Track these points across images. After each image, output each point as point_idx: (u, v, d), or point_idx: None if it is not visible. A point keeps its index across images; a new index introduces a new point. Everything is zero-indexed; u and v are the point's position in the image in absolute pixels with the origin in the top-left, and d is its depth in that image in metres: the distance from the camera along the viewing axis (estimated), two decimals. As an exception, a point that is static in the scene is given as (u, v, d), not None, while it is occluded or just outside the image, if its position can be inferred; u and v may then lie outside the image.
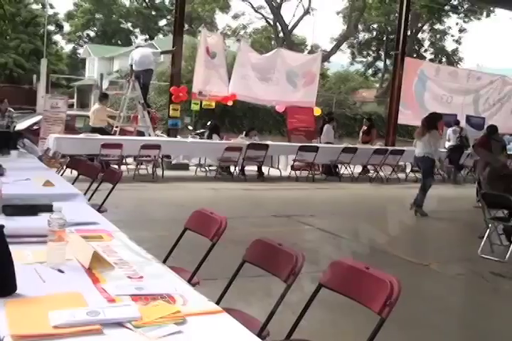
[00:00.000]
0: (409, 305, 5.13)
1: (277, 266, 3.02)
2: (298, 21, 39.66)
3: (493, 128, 11.51)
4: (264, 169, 13.85)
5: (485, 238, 7.24)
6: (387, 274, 2.55)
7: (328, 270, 2.85)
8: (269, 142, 14.18)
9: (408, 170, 15.77)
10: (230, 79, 15.28)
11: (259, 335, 2.77)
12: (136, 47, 14.90)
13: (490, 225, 7.37)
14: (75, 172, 7.22)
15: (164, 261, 3.53)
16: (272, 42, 41.09)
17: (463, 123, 17.70)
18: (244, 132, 14.96)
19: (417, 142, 10.28)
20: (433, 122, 10.02)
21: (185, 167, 14.04)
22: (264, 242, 3.18)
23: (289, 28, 39.66)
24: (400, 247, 7.47)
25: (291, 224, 8.50)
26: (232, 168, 13.55)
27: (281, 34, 40.20)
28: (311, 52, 35.49)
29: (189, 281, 3.22)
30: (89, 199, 5.20)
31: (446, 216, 10.45)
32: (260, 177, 13.50)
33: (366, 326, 2.55)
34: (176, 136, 14.48)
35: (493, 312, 5.25)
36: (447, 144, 16.19)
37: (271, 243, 3.12)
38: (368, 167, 15.19)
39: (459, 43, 40.18)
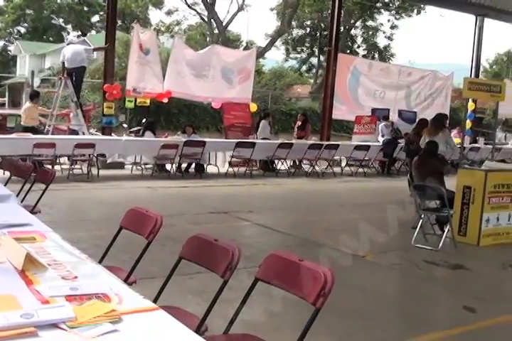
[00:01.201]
0: (346, 296, 5.26)
1: (214, 262, 3.03)
2: (232, 18, 39.69)
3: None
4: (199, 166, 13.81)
5: (418, 228, 7.48)
6: (320, 266, 2.61)
7: (263, 264, 2.89)
8: (206, 139, 14.17)
9: (343, 164, 16.07)
10: (164, 76, 15.16)
11: (197, 331, 2.79)
12: (68, 43, 14.55)
13: (423, 216, 7.61)
14: (7, 173, 7.03)
15: (100, 261, 3.49)
16: (207, 39, 40.96)
17: (395, 117, 18.17)
18: (181, 130, 14.88)
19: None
20: (442, 122, 10.27)
21: (120, 166, 13.83)
22: (200, 238, 3.19)
23: (224, 24, 39.62)
24: (336, 239, 7.60)
25: (229, 220, 8.53)
26: (168, 166, 13.43)
27: (216, 30, 40.12)
28: (246, 48, 35.61)
29: (125, 280, 3.20)
30: (22, 201, 5.08)
31: (381, 208, 10.68)
32: (198, 174, 13.46)
33: (305, 317, 2.60)
34: (110, 134, 14.27)
35: (428, 299, 5.43)
36: (380, 138, 16.59)
37: (207, 239, 3.13)
38: (304, 161, 15.35)
39: (391, 40, 41.12)
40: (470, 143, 19.30)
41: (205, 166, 13.83)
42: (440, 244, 7.19)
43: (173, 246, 5.47)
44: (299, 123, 16.92)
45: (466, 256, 7.10)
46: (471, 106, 20.48)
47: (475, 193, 7.63)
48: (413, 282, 6.15)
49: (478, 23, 21.25)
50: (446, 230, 7.36)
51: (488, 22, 21.73)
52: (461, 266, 6.62)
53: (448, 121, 11.32)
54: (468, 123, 20.19)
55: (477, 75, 22.00)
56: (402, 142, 15.99)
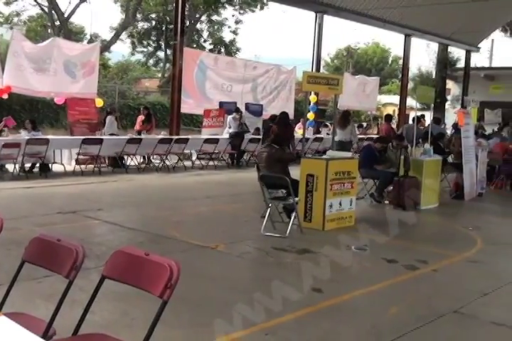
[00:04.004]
0: (198, 287, 5.34)
1: (58, 263, 2.95)
2: (74, 9, 38.18)
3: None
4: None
5: (266, 217, 7.75)
6: (166, 258, 2.63)
7: (109, 261, 2.86)
8: (49, 136, 13.59)
9: (194, 157, 16.16)
10: (3, 70, 14.29)
11: (44, 336, 2.71)
12: None
13: (270, 205, 7.89)
14: None
15: None
16: (49, 31, 39.09)
17: (243, 110, 18.54)
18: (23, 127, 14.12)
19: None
20: (348, 117, 14.69)
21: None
22: (42, 239, 3.09)
23: (66, 16, 38.04)
24: (188, 233, 7.68)
25: (78, 219, 8.28)
26: (11, 166, 12.68)
27: (57, 22, 38.40)
28: (90, 41, 34.50)
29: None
30: None
31: (232, 199, 10.94)
32: (43, 173, 12.88)
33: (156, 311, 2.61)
34: None
35: (277, 284, 5.63)
36: (226, 131, 16.88)
37: (49, 239, 3.04)
38: (154, 156, 15.22)
39: (236, 34, 41.78)
40: (314, 134, 20.19)
41: (50, 165, 13.27)
42: (288, 231, 7.50)
43: (19, 250, 5.18)
44: (142, 117, 16.71)
45: (313, 241, 7.45)
46: (313, 98, 21.42)
47: (318, 181, 8.04)
48: (263, 269, 6.38)
49: (318, 20, 22.18)
50: (292, 217, 7.68)
51: (328, 18, 22.81)
52: (308, 250, 6.94)
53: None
54: (311, 115, 21.11)
55: (318, 69, 22.99)
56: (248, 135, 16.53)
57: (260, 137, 16.42)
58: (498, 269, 6.66)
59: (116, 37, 38.42)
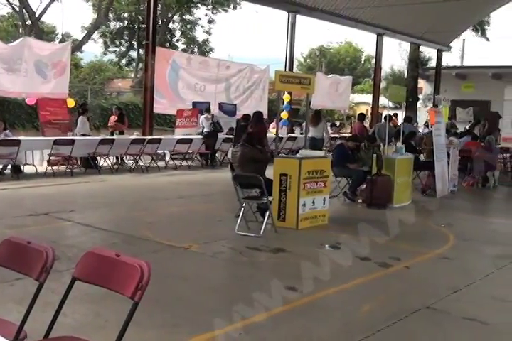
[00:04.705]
0: (171, 287, 5.33)
1: (28, 265, 2.92)
2: (46, 8, 37.73)
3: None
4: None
5: (240, 216, 7.75)
6: (137, 259, 2.62)
7: (79, 262, 2.84)
8: (20, 137, 13.43)
9: (167, 158, 16.09)
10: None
11: (15, 339, 2.68)
12: None
13: (244, 204, 7.89)
14: None
15: None
16: (20, 31, 38.55)
17: (216, 110, 18.53)
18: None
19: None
20: (320, 115, 15.98)
21: None
22: (11, 242, 3.05)
23: (37, 15, 37.58)
24: (161, 233, 7.64)
25: (50, 221, 8.18)
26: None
27: (29, 22, 37.90)
28: (62, 41, 34.12)
29: None
30: None
31: (206, 199, 10.92)
32: (15, 175, 12.70)
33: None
34: None
35: (251, 283, 5.65)
36: (199, 131, 16.85)
37: (19, 242, 3.01)
38: (127, 157, 15.11)
39: (209, 34, 41.67)
40: (287, 133, 20.26)
41: (21, 166, 13.11)
42: (262, 230, 7.52)
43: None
44: (114, 117, 16.58)
45: (286, 240, 7.48)
46: (286, 98, 21.48)
47: (291, 180, 8.07)
48: (236, 268, 6.38)
49: (290, 20, 22.25)
50: (266, 217, 7.70)
51: (301, 18, 22.86)
52: (282, 249, 6.96)
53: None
54: (285, 114, 21.17)
55: (291, 69, 23.07)
56: (222, 135, 16.54)
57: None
58: (470, 265, 6.75)
59: (88, 36, 38.04)
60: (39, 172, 13.15)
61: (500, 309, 5.18)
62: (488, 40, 34.65)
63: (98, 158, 14.38)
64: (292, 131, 21.63)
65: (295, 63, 33.22)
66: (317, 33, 78.26)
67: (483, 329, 4.66)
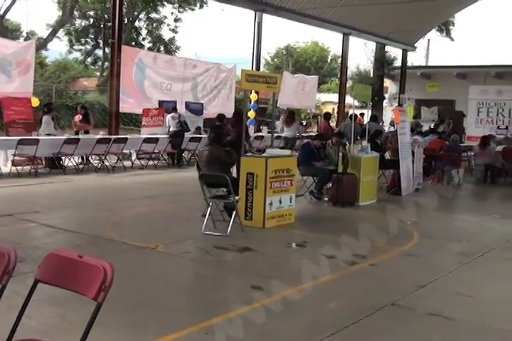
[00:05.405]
0: (137, 287, 5.30)
1: (-11, 267, 2.86)
2: (10, 6, 37.10)
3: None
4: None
5: (207, 216, 7.73)
6: (100, 260, 2.59)
7: (41, 264, 2.80)
8: (-17, 137, 13.20)
9: (134, 157, 15.96)
10: None
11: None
12: None
13: (210, 203, 7.87)
14: None
15: None
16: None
17: (183, 109, 18.45)
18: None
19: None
20: (293, 115, 17.60)
21: None
22: (-29, 244, 2.99)
23: (1, 13, 36.92)
24: (127, 233, 7.58)
25: (14, 223, 8.04)
26: None
27: (-7, 19, 37.22)
28: (27, 39, 33.62)
29: None
30: None
31: (172, 199, 10.87)
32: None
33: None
34: None
35: (217, 283, 5.65)
36: (165, 130, 16.76)
37: (-21, 243, 2.95)
38: (93, 157, 14.94)
39: (176, 32, 41.44)
40: (254, 132, 20.26)
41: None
42: (228, 230, 7.51)
43: None
44: (79, 116, 16.37)
45: (253, 239, 7.49)
46: (253, 97, 21.51)
47: (257, 179, 8.08)
48: (203, 268, 6.37)
49: (257, 19, 22.25)
50: (233, 216, 7.69)
51: (268, 17, 22.85)
52: (249, 248, 6.97)
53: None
54: (252, 114, 21.18)
55: (258, 68, 23.08)
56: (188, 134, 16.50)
57: (201, 136, 16.41)
58: (434, 262, 6.86)
59: (53, 34, 37.57)
60: (3, 173, 12.92)
61: (464, 304, 5.27)
62: (452, 40, 35.23)
63: (63, 158, 14.19)
64: (259, 130, 21.65)
65: (262, 62, 33.28)
66: (284, 32, 78.45)
67: (448, 324, 4.74)
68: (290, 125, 16.09)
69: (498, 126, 20.13)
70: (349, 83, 31.71)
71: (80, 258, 2.62)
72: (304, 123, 26.45)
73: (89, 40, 41.31)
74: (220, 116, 14.20)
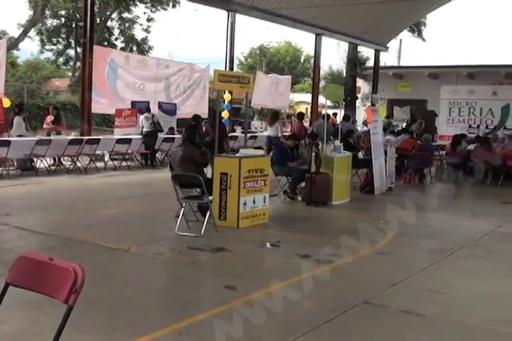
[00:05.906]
0: (110, 289, 5.26)
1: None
2: (-22, 6, 36.62)
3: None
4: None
5: (180, 216, 7.71)
6: (70, 262, 2.58)
7: (12, 267, 2.77)
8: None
9: (106, 158, 15.84)
10: None
11: None
12: None
13: (184, 204, 7.85)
14: None
15: None
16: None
17: (156, 109, 18.36)
18: None
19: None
20: (277, 116, 17.98)
21: None
22: None
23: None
24: (100, 235, 7.52)
25: (-16, 226, 7.94)
26: None
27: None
28: (-3, 39, 33.12)
29: None
30: None
31: (145, 200, 10.83)
32: None
33: (71, 317, 2.54)
34: None
35: (191, 283, 5.63)
36: (139, 131, 16.67)
37: None
38: (65, 158, 14.77)
39: (148, 32, 41.18)
40: (229, 132, 20.22)
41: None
42: (202, 230, 7.51)
43: None
44: (51, 117, 16.19)
45: (227, 239, 7.49)
46: (227, 97, 21.50)
47: (231, 179, 8.08)
48: (176, 268, 6.34)
49: (230, 19, 22.23)
50: (207, 216, 7.68)
51: (241, 17, 22.83)
52: (223, 248, 6.96)
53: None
54: (226, 114, 21.17)
55: (232, 68, 23.06)
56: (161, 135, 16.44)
57: (174, 136, 16.36)
58: (407, 260, 6.93)
59: (24, 34, 37.05)
60: (-27, 175, 12.73)
61: (436, 301, 5.34)
62: (424, 40, 35.47)
63: (35, 159, 14.02)
64: (233, 130, 21.64)
65: (236, 62, 33.29)
66: (258, 32, 78.55)
67: (420, 321, 4.80)
68: (272, 125, 16.67)
69: (470, 126, 20.43)
70: (322, 83, 31.83)
71: (50, 260, 2.60)
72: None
73: (60, 40, 40.83)
74: (196, 117, 14.18)
